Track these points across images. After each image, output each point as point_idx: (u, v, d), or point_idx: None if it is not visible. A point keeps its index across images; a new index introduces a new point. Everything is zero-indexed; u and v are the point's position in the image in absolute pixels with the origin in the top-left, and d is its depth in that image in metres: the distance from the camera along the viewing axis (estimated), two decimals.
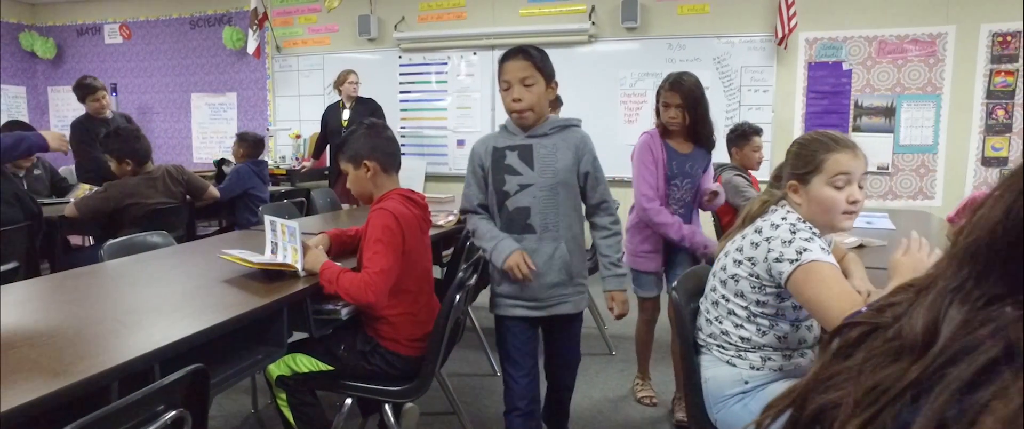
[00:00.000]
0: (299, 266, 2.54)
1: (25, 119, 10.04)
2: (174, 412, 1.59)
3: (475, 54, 7.91)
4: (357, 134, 2.72)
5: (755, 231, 2.18)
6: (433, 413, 3.58)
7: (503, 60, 2.66)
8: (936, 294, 0.74)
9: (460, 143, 8.07)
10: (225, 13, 9.09)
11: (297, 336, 2.60)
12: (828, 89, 7.04)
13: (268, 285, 2.46)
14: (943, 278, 0.75)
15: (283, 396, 2.60)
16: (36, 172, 5.34)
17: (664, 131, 3.50)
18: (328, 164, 7.49)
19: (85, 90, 5.86)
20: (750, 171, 4.90)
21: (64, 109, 10.19)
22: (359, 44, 8.33)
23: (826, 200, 2.14)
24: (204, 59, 9.33)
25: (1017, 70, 6.56)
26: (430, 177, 8.19)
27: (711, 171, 3.66)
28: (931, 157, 6.85)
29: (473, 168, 2.77)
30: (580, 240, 2.76)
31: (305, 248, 2.59)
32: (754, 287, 2.15)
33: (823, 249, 2.04)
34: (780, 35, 6.84)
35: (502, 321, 2.79)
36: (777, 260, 2.04)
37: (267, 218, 2.77)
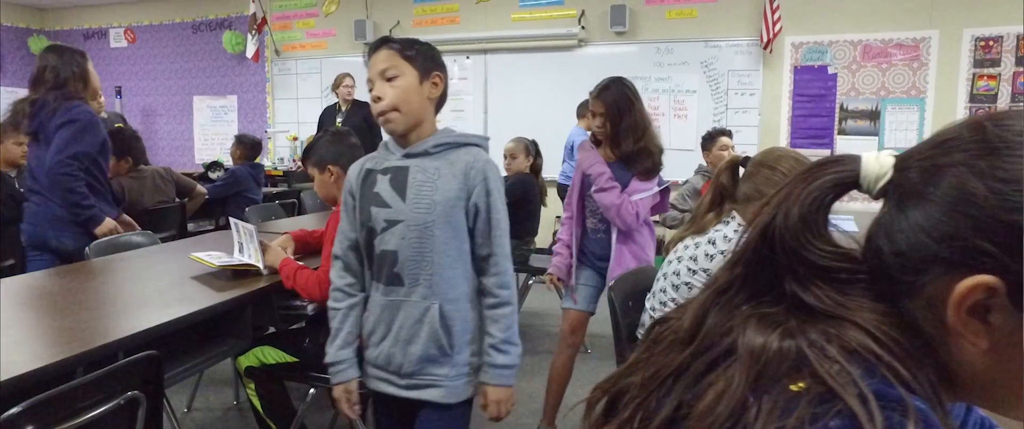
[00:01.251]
0: (260, 264, 2.69)
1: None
2: (129, 393, 1.74)
3: (468, 58, 8.06)
4: (322, 140, 2.87)
5: (709, 242, 2.30)
6: None
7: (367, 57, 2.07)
8: (710, 292, 0.82)
9: None
10: (226, 18, 9.29)
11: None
12: (814, 92, 7.16)
13: (233, 282, 2.62)
14: (722, 277, 0.84)
15: (252, 386, 2.76)
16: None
17: (596, 139, 3.30)
18: None
19: None
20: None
21: None
22: (356, 48, 8.50)
23: None
24: (206, 63, 9.52)
25: (999, 74, 6.66)
26: None
27: (638, 189, 3.18)
28: None
29: (345, 197, 2.15)
30: (471, 300, 2.05)
31: (264, 247, 2.74)
32: None
33: None
34: (765, 39, 6.97)
35: (371, 394, 2.23)
36: None
37: (231, 220, 2.92)
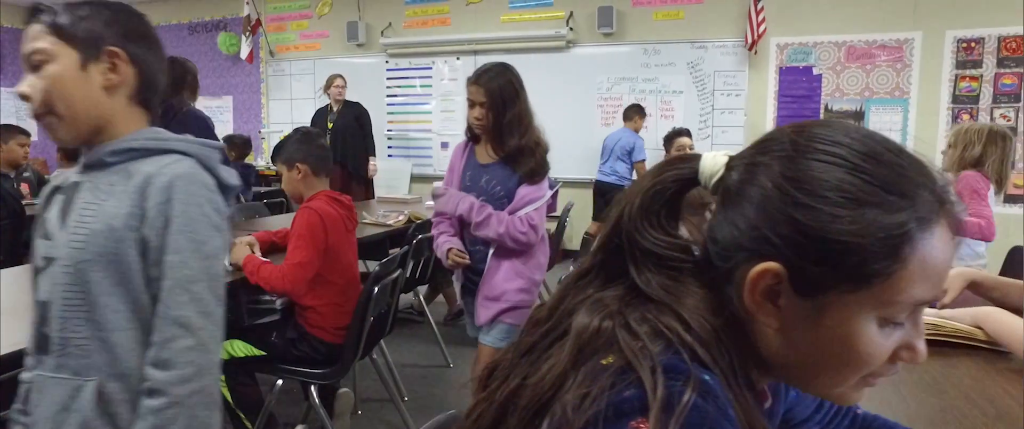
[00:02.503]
0: (226, 261, 2.79)
1: (32, 121, 10.39)
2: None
3: (458, 59, 8.17)
4: (291, 140, 2.97)
5: None
6: (379, 400, 3.82)
7: None
8: (572, 276, 0.90)
9: (444, 145, 8.32)
10: (221, 19, 9.40)
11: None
12: (799, 93, 7.23)
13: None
14: (585, 263, 0.93)
15: (223, 378, 2.85)
16: (25, 174, 5.63)
17: (474, 135, 2.96)
18: None
19: None
20: None
21: None
22: (348, 49, 8.61)
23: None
24: (201, 64, 9.58)
25: (981, 76, 6.73)
26: (415, 178, 8.46)
27: (529, 196, 2.80)
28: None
29: None
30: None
31: (230, 246, 2.84)
32: None
33: None
34: (750, 40, 7.04)
35: None
36: None
37: None
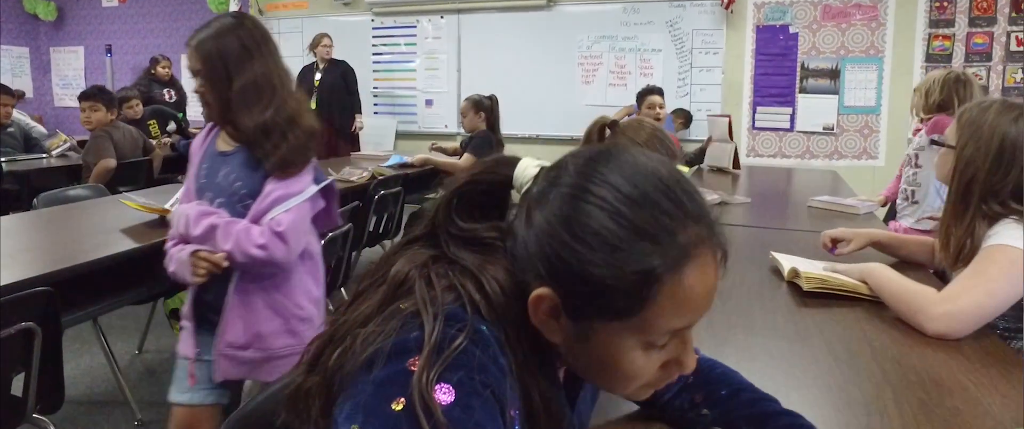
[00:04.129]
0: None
1: (28, 79, 10.57)
2: (23, 324, 2.01)
3: (442, 18, 8.27)
4: None
5: None
6: None
7: None
8: (403, 240, 0.99)
9: (428, 103, 8.46)
10: None
11: None
12: (775, 51, 7.32)
13: (153, 230, 2.89)
14: (416, 230, 0.99)
15: (177, 326, 3.04)
16: (9, 129, 5.82)
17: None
18: None
19: None
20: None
21: (65, 69, 10.69)
22: (335, 8, 8.70)
23: None
24: (193, 22, 9.72)
25: (953, 35, 6.80)
26: (401, 135, 8.60)
27: (277, 193, 2.07)
28: (874, 118, 7.12)
29: None
30: None
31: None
32: None
33: None
34: None
35: None
36: None
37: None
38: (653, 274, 0.76)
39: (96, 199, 3.77)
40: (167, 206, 3.07)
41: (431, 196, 5.55)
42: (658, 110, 5.02)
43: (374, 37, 8.63)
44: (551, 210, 0.81)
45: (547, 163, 0.91)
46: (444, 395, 0.73)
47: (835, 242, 2.40)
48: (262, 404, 1.15)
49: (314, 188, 2.13)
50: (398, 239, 1.03)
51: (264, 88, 2.06)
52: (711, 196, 3.62)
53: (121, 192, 4.12)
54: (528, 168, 0.90)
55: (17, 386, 2.13)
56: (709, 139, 5.60)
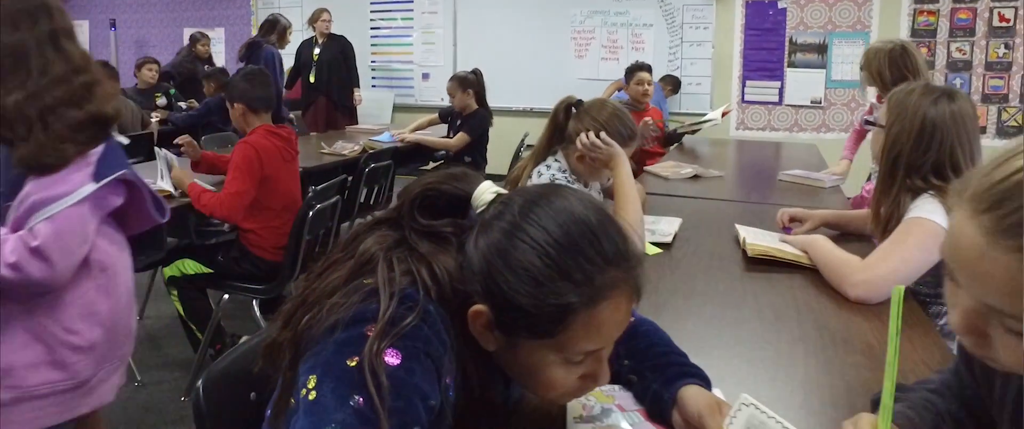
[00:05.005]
0: (168, 186, 3.13)
1: None
2: None
3: None
4: (236, 78, 3.29)
5: (533, 183, 2.64)
6: None
7: None
8: (371, 221, 1.14)
9: (425, 76, 8.63)
10: None
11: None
12: (764, 27, 7.44)
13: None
14: (382, 215, 1.15)
15: (175, 292, 3.23)
16: None
17: None
18: (301, 95, 8.07)
19: None
20: (649, 107, 5.37)
21: None
22: None
23: (591, 153, 2.42)
24: None
25: (938, 10, 6.91)
26: (398, 107, 8.76)
27: (37, 197, 1.63)
28: (861, 92, 7.23)
29: None
30: None
31: (170, 169, 3.18)
32: None
33: None
34: None
35: None
36: None
37: (156, 149, 3.35)
38: (569, 308, 0.92)
39: None
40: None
41: (424, 168, 5.69)
42: (646, 86, 5.15)
43: (372, 11, 8.76)
44: (492, 240, 0.96)
45: (503, 191, 1.06)
46: (391, 358, 0.90)
47: (794, 220, 2.53)
48: (243, 355, 1.33)
49: (89, 188, 1.67)
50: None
51: (8, 66, 1.65)
52: (685, 170, 3.78)
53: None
54: (486, 192, 1.05)
55: None
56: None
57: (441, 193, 1.08)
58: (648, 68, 5.25)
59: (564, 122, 2.57)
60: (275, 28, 6.71)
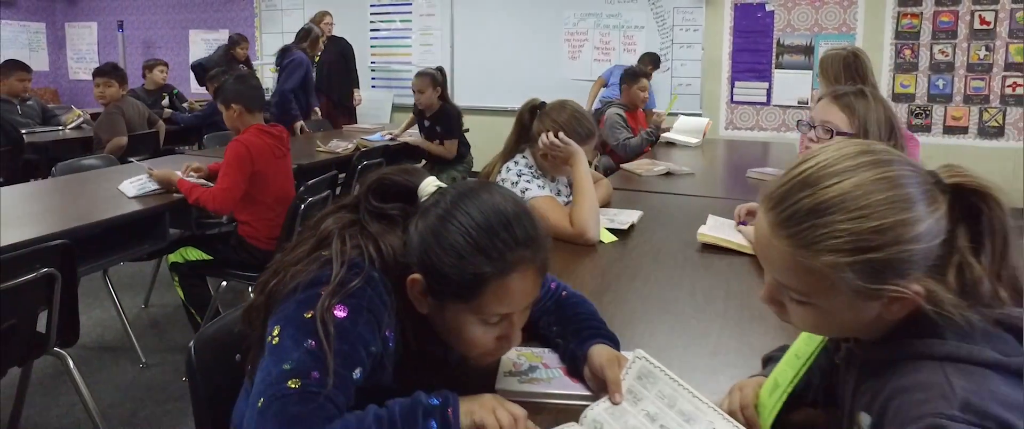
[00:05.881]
0: (152, 186, 3.34)
1: (45, 53, 10.98)
2: (45, 269, 2.42)
3: None
4: (228, 82, 3.51)
5: (501, 180, 2.81)
6: None
7: None
8: (337, 205, 1.37)
9: None
10: None
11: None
12: (752, 29, 7.64)
13: (154, 196, 3.33)
14: (346, 199, 1.39)
15: (177, 279, 3.46)
16: (28, 102, 6.25)
17: None
18: None
19: None
20: (641, 109, 5.59)
21: (79, 44, 11.09)
22: None
23: (552, 152, 2.64)
24: None
25: (921, 13, 7.11)
26: (397, 107, 9.00)
27: None
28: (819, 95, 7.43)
29: None
30: None
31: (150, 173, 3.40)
32: None
33: (541, 187, 2.66)
34: None
35: None
36: None
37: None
38: (484, 277, 1.15)
39: (107, 168, 4.19)
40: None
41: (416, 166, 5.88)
42: (646, 92, 5.45)
43: (372, 14, 9.01)
44: (429, 222, 1.19)
45: (444, 185, 1.29)
46: (340, 312, 1.13)
47: (751, 214, 2.66)
48: (229, 322, 1.56)
49: None
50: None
51: None
52: (658, 167, 4.00)
53: (131, 162, 4.54)
54: (429, 185, 1.28)
55: (40, 325, 2.56)
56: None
57: (393, 183, 1.31)
58: (648, 75, 5.47)
59: (529, 123, 2.78)
60: (308, 37, 7.03)
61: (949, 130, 7.17)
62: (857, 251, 0.89)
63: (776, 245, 0.95)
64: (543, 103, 2.81)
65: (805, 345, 1.22)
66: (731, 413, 1.25)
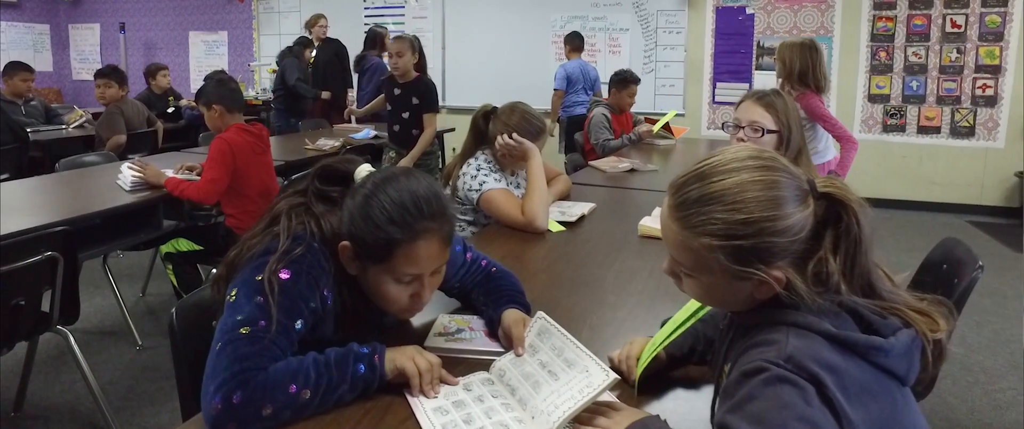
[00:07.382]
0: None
1: (49, 54, 11.26)
2: (48, 252, 2.69)
3: None
4: (209, 84, 3.76)
5: (463, 174, 3.04)
6: None
7: None
8: (293, 189, 1.65)
9: None
10: None
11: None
12: (733, 31, 7.89)
13: (148, 189, 3.59)
14: (300, 183, 1.70)
15: (170, 267, 3.72)
16: (32, 102, 6.52)
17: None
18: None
19: None
20: (627, 112, 5.84)
21: (82, 45, 11.36)
22: None
23: (509, 151, 2.91)
24: (199, 0, 10.41)
25: (895, 16, 7.35)
26: None
27: None
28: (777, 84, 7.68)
29: None
30: None
31: (142, 168, 3.65)
32: (464, 210, 3.06)
33: (497, 181, 2.90)
34: None
35: None
36: (469, 190, 2.96)
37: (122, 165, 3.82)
38: (395, 242, 1.40)
39: (107, 164, 4.46)
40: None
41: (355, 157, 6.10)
42: (634, 98, 5.75)
43: (366, 16, 9.27)
44: (356, 200, 1.44)
45: (374, 170, 1.54)
46: (284, 274, 1.40)
47: None
48: (205, 292, 1.83)
49: None
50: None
51: None
52: (622, 164, 4.25)
53: (130, 159, 4.81)
54: (363, 171, 1.54)
55: (45, 305, 2.82)
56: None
57: (335, 169, 1.59)
58: (639, 81, 5.72)
59: (484, 127, 3.06)
60: (376, 41, 7.27)
61: (923, 130, 7.42)
62: (727, 237, 1.06)
63: (670, 225, 1.14)
64: (495, 108, 3.07)
65: (684, 313, 1.48)
66: (619, 361, 1.52)
